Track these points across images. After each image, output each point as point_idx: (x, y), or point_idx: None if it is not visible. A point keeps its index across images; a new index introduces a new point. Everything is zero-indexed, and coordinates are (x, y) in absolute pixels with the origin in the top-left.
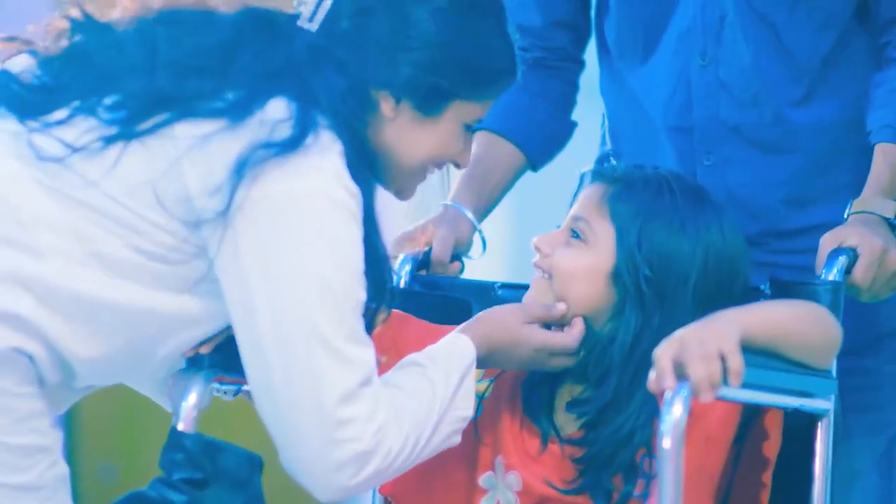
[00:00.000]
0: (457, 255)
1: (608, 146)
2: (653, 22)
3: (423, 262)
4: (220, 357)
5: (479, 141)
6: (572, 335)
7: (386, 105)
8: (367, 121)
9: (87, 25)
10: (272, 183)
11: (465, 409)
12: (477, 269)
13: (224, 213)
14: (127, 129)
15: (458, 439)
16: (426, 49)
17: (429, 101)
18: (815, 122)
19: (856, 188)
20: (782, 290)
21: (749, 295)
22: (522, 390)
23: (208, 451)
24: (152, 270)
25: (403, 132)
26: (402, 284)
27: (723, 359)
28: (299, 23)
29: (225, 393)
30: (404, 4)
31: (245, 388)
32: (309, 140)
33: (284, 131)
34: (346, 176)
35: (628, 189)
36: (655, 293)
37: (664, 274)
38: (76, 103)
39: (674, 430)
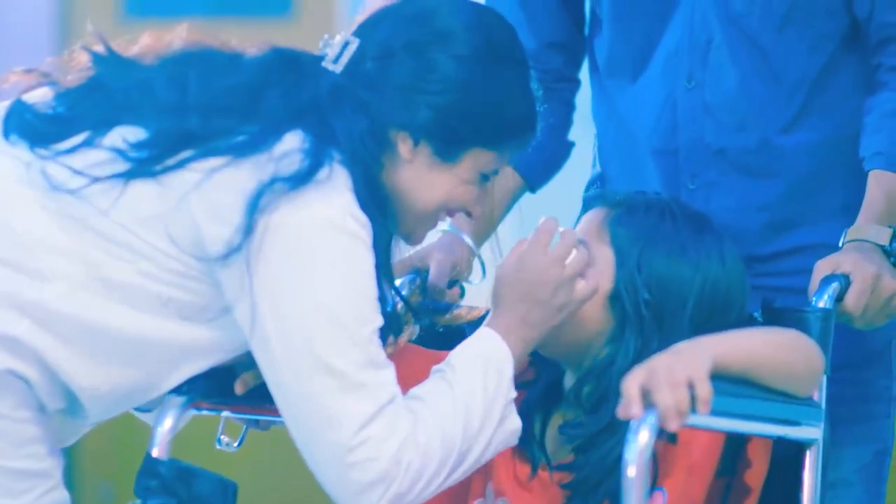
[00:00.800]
0: (456, 281)
1: (598, 168)
2: (642, 43)
3: (420, 289)
4: (199, 383)
5: None
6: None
7: (404, 146)
8: (384, 162)
9: (109, 60)
10: (284, 215)
11: (503, 405)
12: (477, 293)
13: (237, 246)
14: (149, 168)
15: (511, 441)
16: (447, 93)
17: (447, 146)
18: (802, 146)
19: (838, 211)
20: (774, 316)
21: (745, 323)
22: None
23: (182, 478)
24: (161, 297)
25: (419, 175)
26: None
27: (692, 386)
28: (324, 63)
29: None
30: (427, 49)
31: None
32: (322, 174)
33: (296, 163)
34: (356, 207)
35: (629, 213)
36: (654, 317)
37: (663, 299)
38: (88, 134)
39: (639, 457)
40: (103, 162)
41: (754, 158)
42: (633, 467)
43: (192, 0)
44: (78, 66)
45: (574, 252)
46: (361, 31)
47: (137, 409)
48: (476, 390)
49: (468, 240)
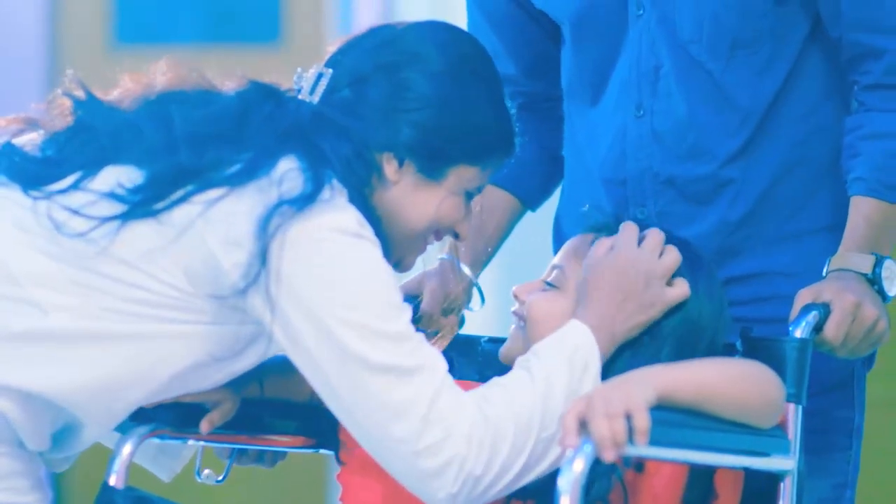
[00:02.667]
0: (452, 309)
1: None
2: (597, 69)
3: (413, 317)
4: (163, 412)
5: None
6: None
7: (389, 167)
8: (373, 185)
9: (89, 104)
10: (297, 231)
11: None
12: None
13: (256, 272)
14: (149, 207)
15: None
16: (424, 110)
17: (431, 163)
18: (753, 173)
19: (790, 237)
20: (752, 345)
21: (719, 350)
22: None
23: None
24: (161, 319)
25: (406, 195)
26: None
27: (630, 417)
28: (300, 96)
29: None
30: (400, 69)
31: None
32: (325, 194)
33: (298, 185)
34: (360, 216)
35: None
36: (625, 343)
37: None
38: (79, 174)
39: (572, 488)
40: (99, 202)
41: (704, 187)
42: (567, 497)
43: (182, 28)
44: (62, 111)
45: (665, 250)
46: (333, 61)
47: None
48: (560, 377)
49: (465, 268)
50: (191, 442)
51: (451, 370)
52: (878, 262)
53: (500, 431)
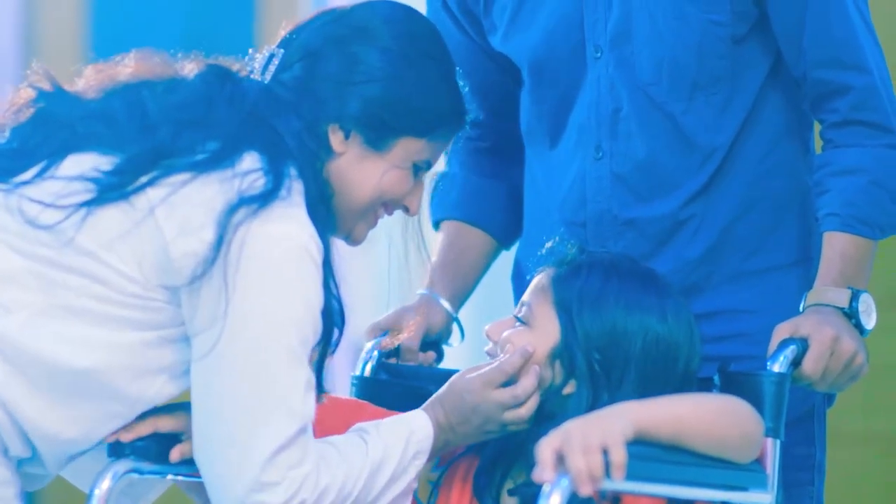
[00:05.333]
0: (435, 343)
1: None
2: (555, 112)
3: (392, 351)
4: (142, 445)
5: (447, 230)
6: (523, 385)
7: (335, 138)
8: (322, 158)
9: (55, 95)
10: (255, 234)
11: (406, 481)
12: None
13: (210, 262)
14: (120, 191)
15: None
16: (373, 83)
17: (377, 135)
18: (712, 210)
19: (751, 275)
20: (729, 380)
21: (692, 381)
22: (474, 475)
23: None
24: (119, 320)
25: (352, 167)
26: (367, 372)
27: (607, 451)
28: (252, 76)
29: None
30: (350, 43)
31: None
32: (283, 192)
33: (260, 183)
34: (311, 226)
35: (573, 273)
36: (603, 373)
37: (609, 355)
38: (44, 164)
39: None
40: (67, 191)
41: (664, 226)
42: None
43: (157, 41)
44: (23, 103)
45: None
46: (285, 42)
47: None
48: (391, 457)
49: (444, 303)
50: (169, 476)
51: None
52: (855, 296)
53: (323, 497)
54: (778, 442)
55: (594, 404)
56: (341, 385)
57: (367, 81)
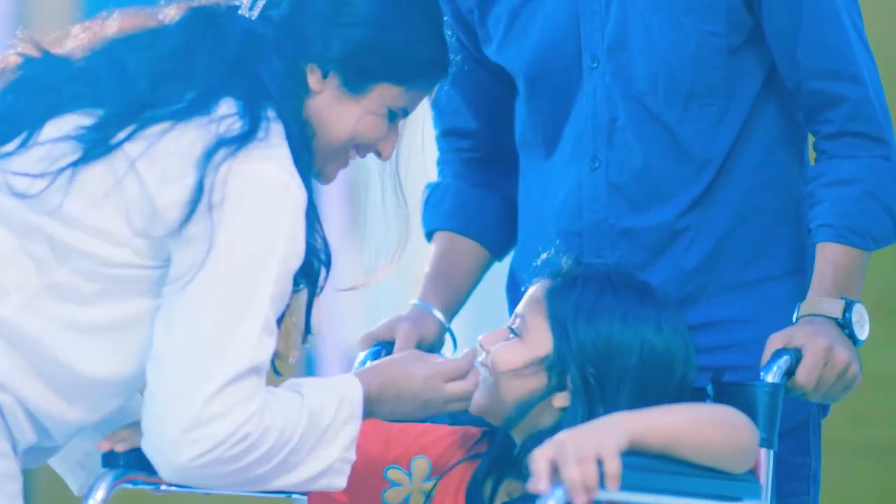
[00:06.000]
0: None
1: None
2: (550, 122)
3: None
4: (136, 455)
5: (440, 241)
6: (464, 360)
7: (313, 77)
8: (301, 96)
9: (42, 59)
10: (236, 172)
11: (341, 444)
12: None
13: (192, 205)
14: (103, 147)
15: (334, 483)
16: (359, 26)
17: (355, 79)
18: (707, 220)
19: (744, 285)
20: (723, 390)
21: (689, 389)
22: (467, 488)
23: None
24: (113, 293)
25: (327, 107)
26: None
27: (601, 462)
28: (240, 12)
29: None
30: None
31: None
32: (261, 133)
33: (237, 125)
34: (294, 169)
35: (568, 285)
36: (597, 385)
37: (603, 367)
38: (27, 132)
39: None
40: (52, 155)
41: (659, 236)
42: None
43: None
44: (9, 69)
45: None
46: None
47: None
48: (325, 412)
49: (437, 313)
50: (164, 487)
51: None
52: (849, 307)
53: (264, 437)
54: (772, 452)
55: (590, 418)
56: None
57: (352, 24)
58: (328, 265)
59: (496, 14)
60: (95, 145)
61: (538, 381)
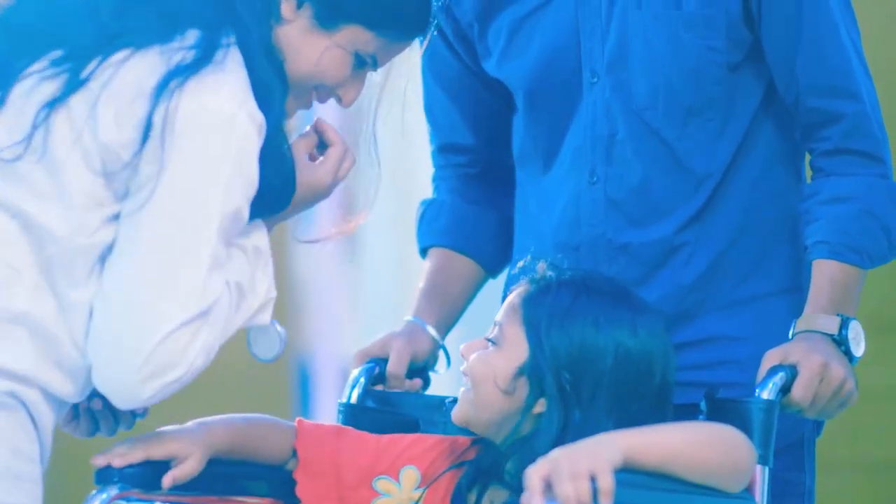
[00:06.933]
0: (421, 370)
1: None
2: (549, 136)
3: (378, 377)
4: (130, 472)
5: (434, 257)
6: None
7: (287, 5)
8: (271, 24)
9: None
10: (182, 103)
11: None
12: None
13: (142, 138)
14: (74, 82)
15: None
16: None
17: (328, 13)
18: (706, 236)
19: (741, 301)
20: (717, 407)
21: (668, 394)
22: (452, 495)
23: None
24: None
25: (295, 37)
26: (354, 399)
27: (594, 479)
28: None
29: None
30: None
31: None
32: (216, 59)
33: (190, 55)
34: (251, 99)
35: (543, 291)
36: (573, 391)
37: (580, 372)
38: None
39: None
40: (28, 103)
41: (657, 251)
42: None
43: None
44: None
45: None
46: None
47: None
48: (243, 274)
49: (431, 329)
50: (158, 502)
51: (417, 431)
52: (845, 324)
53: (210, 351)
54: (767, 469)
55: (566, 423)
56: (328, 411)
57: None
58: (290, 188)
59: (496, 28)
60: (65, 82)
61: (517, 390)
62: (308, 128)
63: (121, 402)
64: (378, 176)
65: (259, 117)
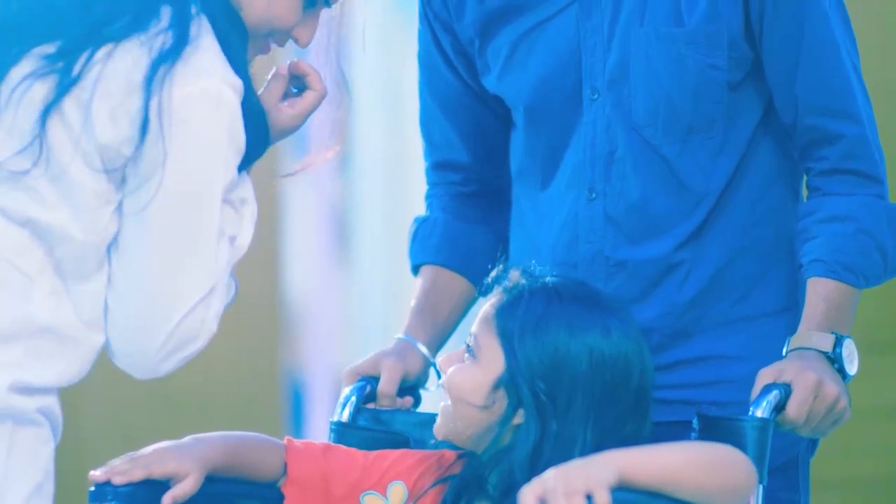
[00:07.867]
0: (412, 388)
1: None
2: (550, 155)
3: (369, 396)
4: (126, 491)
5: (426, 275)
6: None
7: None
8: None
9: None
10: (173, 94)
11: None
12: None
13: (142, 127)
14: (65, 80)
15: None
16: None
17: None
18: (703, 254)
19: (737, 320)
20: (710, 425)
21: (647, 396)
22: None
23: None
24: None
25: None
26: (345, 417)
27: (590, 496)
28: None
29: None
30: None
31: None
32: (193, 31)
33: (169, 39)
34: (228, 67)
35: (515, 301)
36: (549, 400)
37: (555, 380)
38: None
39: None
40: (23, 110)
41: (655, 269)
42: None
43: None
44: None
45: None
46: None
47: None
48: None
49: (422, 347)
50: None
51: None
52: (839, 341)
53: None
54: (761, 487)
55: (543, 433)
56: (321, 427)
57: None
58: (265, 138)
59: (497, 44)
60: (57, 83)
61: (496, 402)
62: (277, 69)
63: (140, 375)
64: (348, 107)
65: (238, 83)
